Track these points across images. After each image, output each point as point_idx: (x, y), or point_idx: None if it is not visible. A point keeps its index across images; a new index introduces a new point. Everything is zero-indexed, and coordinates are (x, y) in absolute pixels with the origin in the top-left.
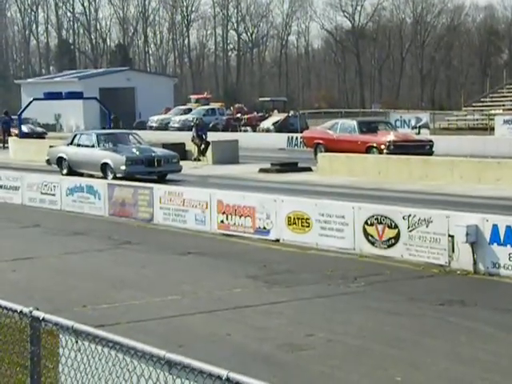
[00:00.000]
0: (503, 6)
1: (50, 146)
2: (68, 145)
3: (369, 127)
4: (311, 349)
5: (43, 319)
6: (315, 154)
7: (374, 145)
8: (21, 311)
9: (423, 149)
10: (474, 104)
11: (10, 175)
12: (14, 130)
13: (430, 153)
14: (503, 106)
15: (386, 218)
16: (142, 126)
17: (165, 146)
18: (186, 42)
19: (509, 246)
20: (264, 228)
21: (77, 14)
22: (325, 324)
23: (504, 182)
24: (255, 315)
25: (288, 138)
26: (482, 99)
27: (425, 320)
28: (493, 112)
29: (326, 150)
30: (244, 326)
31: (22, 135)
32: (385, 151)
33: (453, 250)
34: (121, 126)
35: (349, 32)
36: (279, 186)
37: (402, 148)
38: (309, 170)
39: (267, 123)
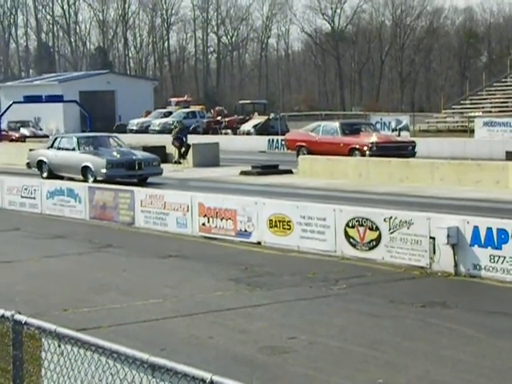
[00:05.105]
0: (482, 9)
1: (30, 150)
2: (48, 148)
3: (351, 129)
4: (293, 351)
5: (25, 323)
6: (298, 157)
7: (357, 146)
8: (2, 315)
9: (406, 150)
10: (453, 106)
11: None
12: (15, 134)
13: (413, 154)
14: (483, 108)
15: (367, 220)
16: (123, 129)
17: (145, 148)
18: (165, 44)
19: (489, 247)
20: (245, 231)
21: (56, 17)
22: (307, 326)
23: (484, 183)
24: (237, 318)
25: (269, 140)
26: (462, 101)
27: (406, 322)
28: (472, 114)
29: (309, 153)
30: (226, 328)
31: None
32: (367, 153)
33: (434, 252)
34: None
35: (328, 35)
36: (260, 189)
37: (384, 149)
38: (290, 172)
39: (248, 126)
